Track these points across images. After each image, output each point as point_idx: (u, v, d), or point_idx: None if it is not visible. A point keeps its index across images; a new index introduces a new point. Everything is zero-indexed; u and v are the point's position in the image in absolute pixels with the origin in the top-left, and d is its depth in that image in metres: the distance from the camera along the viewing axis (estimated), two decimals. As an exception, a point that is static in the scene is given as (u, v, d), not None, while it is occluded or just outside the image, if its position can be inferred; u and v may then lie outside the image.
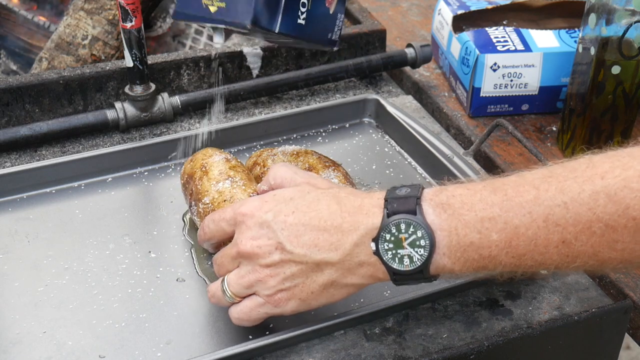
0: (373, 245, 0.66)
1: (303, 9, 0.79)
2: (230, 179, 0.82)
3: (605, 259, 0.61)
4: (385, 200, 0.67)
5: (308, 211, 0.69)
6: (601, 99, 0.99)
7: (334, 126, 1.10)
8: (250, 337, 0.76)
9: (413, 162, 1.02)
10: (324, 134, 1.09)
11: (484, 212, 0.63)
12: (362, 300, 0.80)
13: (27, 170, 0.96)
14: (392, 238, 0.65)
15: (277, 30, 0.77)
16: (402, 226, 0.65)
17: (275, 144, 1.06)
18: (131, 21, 0.98)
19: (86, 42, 1.14)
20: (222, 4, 0.76)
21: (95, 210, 0.93)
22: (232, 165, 0.84)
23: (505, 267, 0.64)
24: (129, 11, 0.97)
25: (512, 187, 0.63)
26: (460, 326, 0.78)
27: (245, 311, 0.72)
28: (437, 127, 1.10)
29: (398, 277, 0.67)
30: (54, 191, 0.96)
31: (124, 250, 0.87)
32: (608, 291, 0.84)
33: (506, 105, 1.13)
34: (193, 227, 0.89)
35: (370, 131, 1.09)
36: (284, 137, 1.07)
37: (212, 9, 0.76)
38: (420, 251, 0.65)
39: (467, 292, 0.81)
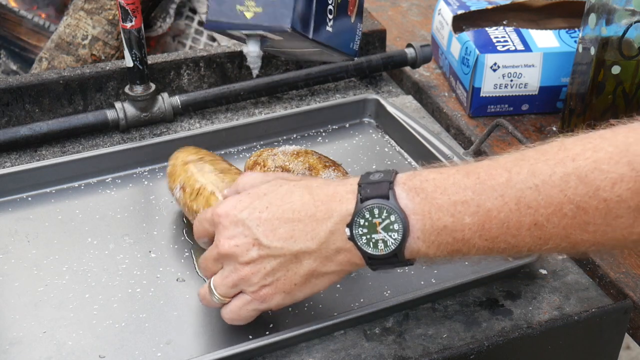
0: (347, 230, 0.67)
1: (330, 16, 0.79)
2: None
3: (578, 241, 0.61)
4: (359, 185, 0.67)
5: (281, 204, 0.69)
6: (601, 99, 0.99)
7: (334, 126, 1.10)
8: (250, 337, 0.76)
9: (413, 162, 1.03)
10: (324, 134, 1.09)
11: (456, 196, 0.63)
12: (362, 300, 0.80)
13: (27, 170, 0.96)
14: (366, 223, 0.66)
15: (311, 37, 0.76)
16: (376, 211, 0.65)
17: (275, 144, 1.06)
18: (131, 21, 0.98)
19: (86, 42, 1.14)
20: (259, 9, 0.74)
21: (95, 210, 0.93)
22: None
23: (478, 251, 0.64)
24: (129, 11, 0.97)
25: (484, 170, 0.64)
26: (460, 326, 0.78)
27: (235, 310, 0.73)
28: (437, 127, 1.10)
29: (373, 262, 0.67)
30: (54, 191, 0.96)
31: (124, 250, 0.87)
32: (608, 291, 0.84)
33: (506, 105, 1.13)
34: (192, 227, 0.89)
35: (370, 131, 1.09)
36: (284, 137, 1.07)
37: (248, 14, 0.74)
38: (394, 235, 0.65)
39: (467, 292, 0.81)
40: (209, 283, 0.73)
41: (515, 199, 0.61)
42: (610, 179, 0.58)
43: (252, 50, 0.77)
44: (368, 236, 0.66)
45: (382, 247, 0.66)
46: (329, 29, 0.79)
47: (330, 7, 0.78)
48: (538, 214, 0.61)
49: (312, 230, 0.68)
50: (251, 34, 0.77)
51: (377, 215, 0.65)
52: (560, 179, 0.60)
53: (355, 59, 0.87)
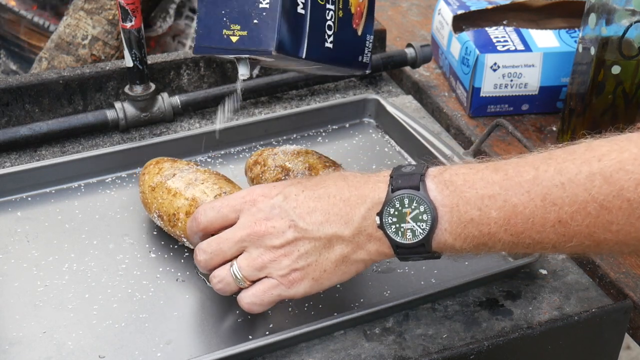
0: (377, 219, 0.68)
1: (330, 32, 0.77)
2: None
3: (601, 240, 0.62)
4: (391, 177, 0.69)
5: (316, 189, 0.71)
6: (601, 99, 0.99)
7: (334, 126, 1.10)
8: (250, 337, 0.76)
9: (413, 162, 1.02)
10: (324, 134, 1.09)
11: (484, 190, 0.65)
12: (362, 300, 0.80)
13: (26, 170, 0.96)
14: (396, 212, 0.67)
15: (304, 56, 0.74)
16: (406, 201, 0.66)
17: (275, 143, 1.06)
18: (131, 21, 0.98)
19: (86, 42, 1.14)
20: (244, 33, 0.73)
21: (95, 210, 0.93)
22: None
23: (504, 245, 0.65)
24: (129, 11, 0.97)
25: (512, 167, 0.65)
26: (460, 326, 0.78)
27: (258, 294, 0.72)
28: (437, 127, 1.10)
29: (401, 251, 0.68)
30: (53, 191, 0.96)
31: (123, 250, 0.87)
32: (608, 291, 0.84)
33: (506, 105, 1.13)
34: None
35: (370, 131, 1.09)
36: (284, 137, 1.07)
37: (234, 38, 0.73)
38: (422, 225, 0.66)
39: (467, 293, 0.81)
40: (231, 265, 0.72)
41: (541, 195, 0.62)
42: (634, 179, 0.59)
43: (243, 74, 0.76)
44: (397, 225, 0.67)
45: (410, 236, 0.67)
46: (328, 45, 0.77)
47: (329, 22, 0.76)
48: (562, 211, 0.62)
49: (346, 214, 0.69)
50: (240, 58, 0.76)
51: (407, 205, 0.66)
52: (586, 177, 0.61)
53: (368, 71, 0.85)
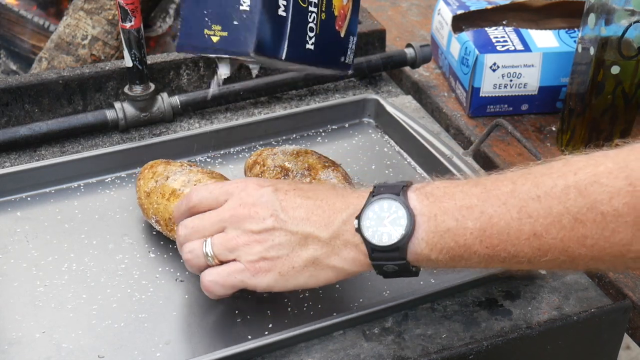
0: (356, 222, 0.68)
1: (311, 34, 0.77)
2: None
3: (576, 255, 0.62)
4: (374, 187, 0.70)
5: (307, 190, 0.73)
6: (600, 99, 0.99)
7: (333, 126, 1.10)
8: (250, 337, 0.76)
9: (412, 162, 1.02)
10: (323, 134, 1.09)
11: (462, 201, 0.65)
12: (361, 300, 0.80)
13: (26, 170, 0.96)
14: (374, 216, 0.68)
15: (283, 58, 0.75)
16: (385, 205, 0.68)
17: (275, 144, 1.06)
18: (130, 21, 0.98)
19: (86, 42, 1.14)
20: (224, 33, 0.74)
21: (95, 211, 0.93)
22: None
23: (480, 258, 0.66)
24: (129, 11, 0.97)
25: (491, 181, 0.66)
26: (460, 326, 0.78)
27: (222, 274, 0.72)
28: (436, 127, 1.10)
29: (376, 255, 0.68)
30: (53, 191, 0.96)
31: (123, 250, 0.87)
32: (607, 291, 0.84)
33: (506, 105, 1.13)
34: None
35: (370, 131, 1.09)
36: (284, 137, 1.07)
37: (215, 39, 0.74)
38: (399, 229, 0.67)
39: (466, 292, 0.81)
40: (203, 240, 0.73)
41: (517, 207, 0.63)
42: (607, 192, 0.59)
43: (223, 73, 0.77)
44: (374, 228, 0.68)
45: (387, 239, 0.67)
46: (309, 47, 0.78)
47: (311, 24, 0.77)
48: (537, 224, 0.62)
49: (328, 217, 0.70)
50: (221, 58, 0.77)
51: (386, 209, 0.67)
52: (561, 190, 0.61)
53: (350, 71, 0.86)
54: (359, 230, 0.68)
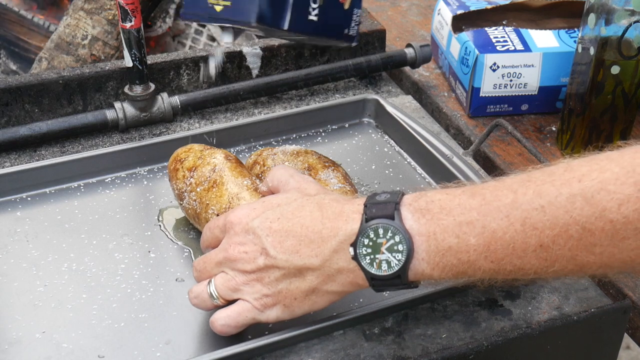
0: (351, 250, 0.67)
1: (314, 5, 0.78)
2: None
3: (584, 263, 0.60)
4: (365, 205, 0.67)
5: (292, 217, 0.70)
6: (600, 99, 0.99)
7: (333, 126, 1.10)
8: (250, 337, 0.76)
9: (412, 162, 1.02)
10: (323, 134, 1.09)
11: (462, 217, 0.63)
12: (361, 300, 0.80)
13: (26, 170, 0.96)
14: (370, 243, 0.66)
15: (286, 28, 0.76)
16: (380, 231, 0.65)
17: (275, 144, 1.06)
18: (130, 21, 0.98)
19: (86, 42, 1.14)
20: (228, 3, 0.75)
21: (94, 210, 0.93)
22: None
23: (484, 273, 0.64)
24: (129, 11, 0.97)
25: (490, 191, 0.64)
26: (460, 326, 0.78)
27: (233, 315, 0.72)
28: (436, 127, 1.10)
29: (376, 283, 0.67)
30: (53, 191, 0.96)
31: (123, 250, 0.87)
32: (607, 291, 0.84)
33: (505, 105, 1.13)
34: (178, 227, 0.90)
35: (370, 131, 1.09)
36: (284, 137, 1.07)
37: (218, 8, 0.75)
38: (398, 256, 0.65)
39: (467, 292, 0.81)
40: (208, 283, 0.74)
41: (521, 219, 0.61)
42: (616, 199, 0.57)
43: (226, 42, 0.79)
44: (372, 256, 0.66)
45: (386, 267, 0.66)
46: (312, 18, 0.78)
47: None
48: (544, 235, 0.60)
49: (317, 247, 0.68)
50: (224, 27, 0.78)
51: (381, 236, 0.65)
52: (566, 199, 0.59)
53: (354, 44, 0.86)
54: (355, 258, 0.67)
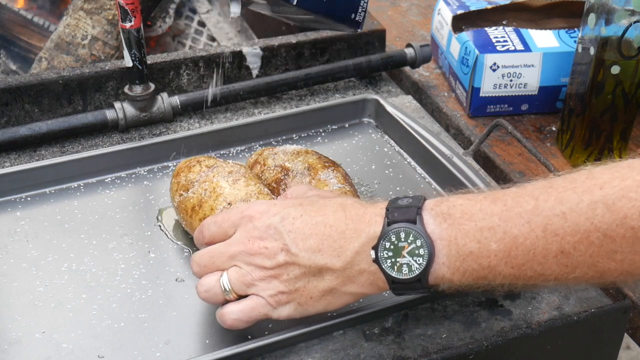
0: (373, 253, 0.67)
1: None
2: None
3: (605, 269, 0.61)
4: (387, 209, 0.68)
5: (315, 215, 0.70)
6: (600, 99, 0.98)
7: (333, 126, 1.10)
8: (250, 337, 0.76)
9: (412, 162, 1.02)
10: (323, 134, 1.09)
11: (483, 222, 0.64)
12: (361, 300, 0.80)
13: (26, 170, 0.96)
14: (392, 246, 0.66)
15: (295, 3, 0.76)
16: (402, 235, 0.66)
17: (275, 144, 1.06)
18: (130, 21, 0.98)
19: (86, 42, 1.14)
20: None
21: (94, 210, 0.93)
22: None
23: (505, 278, 0.64)
24: (128, 11, 0.97)
25: (511, 197, 0.64)
26: (460, 326, 0.78)
27: (246, 310, 0.72)
28: (436, 127, 1.10)
29: (397, 286, 0.68)
30: (53, 191, 0.96)
31: (123, 250, 0.87)
32: (607, 291, 0.84)
33: (506, 105, 1.13)
34: (178, 227, 0.90)
35: (370, 131, 1.09)
36: (284, 137, 1.07)
37: None
38: (419, 260, 0.65)
39: (467, 292, 0.81)
40: (220, 276, 0.72)
41: (542, 226, 0.61)
42: (637, 207, 0.58)
43: (234, 12, 0.78)
44: (393, 259, 0.66)
45: (407, 271, 0.66)
46: None
47: None
48: (565, 242, 0.61)
49: (340, 247, 0.68)
50: None
51: (403, 239, 0.66)
52: (588, 206, 0.60)
53: (360, 30, 0.86)
54: (376, 261, 0.67)
